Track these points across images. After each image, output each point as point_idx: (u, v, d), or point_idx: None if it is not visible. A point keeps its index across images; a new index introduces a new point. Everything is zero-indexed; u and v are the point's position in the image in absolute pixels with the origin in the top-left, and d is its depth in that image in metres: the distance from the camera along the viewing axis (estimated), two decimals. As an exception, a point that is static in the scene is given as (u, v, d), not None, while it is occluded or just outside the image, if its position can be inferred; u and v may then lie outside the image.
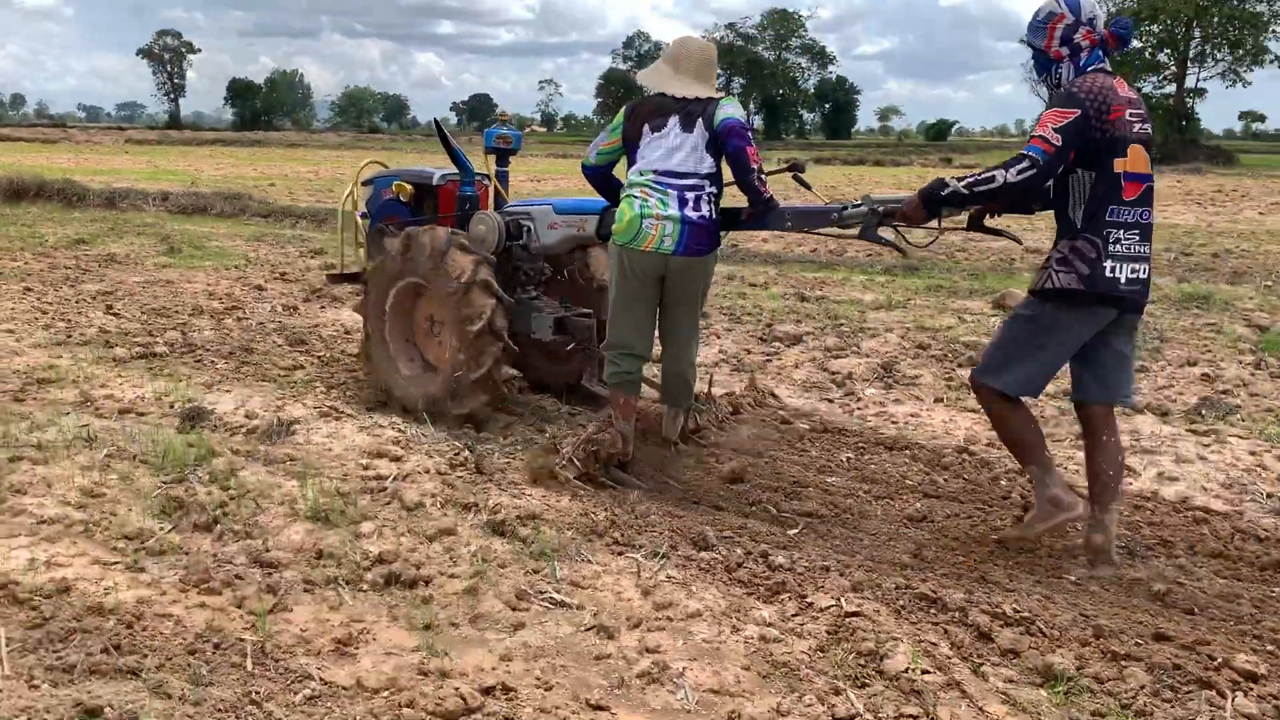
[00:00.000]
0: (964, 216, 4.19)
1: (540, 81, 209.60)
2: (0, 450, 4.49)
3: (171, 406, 5.33)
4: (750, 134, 4.42)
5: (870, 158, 45.16)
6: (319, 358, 6.64)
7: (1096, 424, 3.78)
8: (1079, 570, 3.69)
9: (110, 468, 4.33)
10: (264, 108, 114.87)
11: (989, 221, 4.13)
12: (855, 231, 4.28)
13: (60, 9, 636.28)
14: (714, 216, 4.41)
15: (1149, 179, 3.62)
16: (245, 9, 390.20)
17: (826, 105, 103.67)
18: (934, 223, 4.03)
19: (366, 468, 4.43)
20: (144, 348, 6.54)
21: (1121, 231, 3.56)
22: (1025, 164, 3.50)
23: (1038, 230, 11.19)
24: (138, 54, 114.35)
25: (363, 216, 6.06)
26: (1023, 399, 3.81)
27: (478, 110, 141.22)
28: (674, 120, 4.36)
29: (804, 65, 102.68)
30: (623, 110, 4.60)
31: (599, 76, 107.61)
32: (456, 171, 5.65)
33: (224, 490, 4.11)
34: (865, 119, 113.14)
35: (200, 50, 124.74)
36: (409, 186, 5.76)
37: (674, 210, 4.31)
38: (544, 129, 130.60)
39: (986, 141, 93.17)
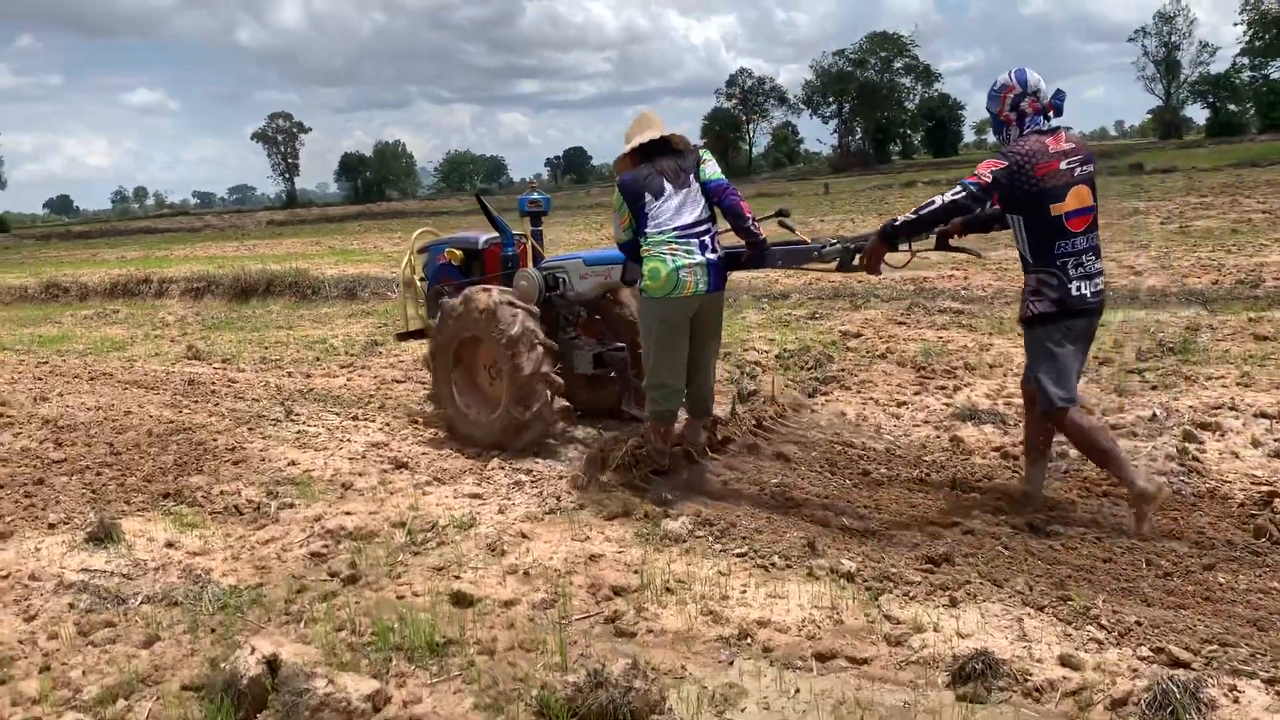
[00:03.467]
0: (932, 239, 4.76)
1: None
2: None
3: (896, 642, 3.35)
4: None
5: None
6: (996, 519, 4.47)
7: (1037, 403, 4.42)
8: None
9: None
10: (375, 180, 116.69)
11: (953, 241, 4.84)
12: (834, 265, 4.89)
13: (165, 103, 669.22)
14: (723, 255, 5.07)
15: (1092, 210, 4.29)
16: (337, 86, 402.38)
17: (929, 124, 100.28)
18: (906, 249, 4.65)
19: None
20: (703, 520, 4.58)
21: (1082, 256, 4.26)
22: (959, 189, 4.26)
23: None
24: (252, 138, 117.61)
25: (421, 280, 6.92)
26: (1074, 406, 4.31)
27: (573, 162, 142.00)
28: (667, 184, 4.97)
29: (908, 85, 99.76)
30: (617, 190, 5.13)
31: (703, 117, 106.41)
32: (498, 235, 6.43)
33: None
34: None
35: (311, 129, 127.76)
36: (459, 252, 6.57)
37: (699, 256, 4.91)
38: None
39: (1102, 146, 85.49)
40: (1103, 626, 3.34)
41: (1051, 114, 4.31)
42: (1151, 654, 3.14)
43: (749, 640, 3.47)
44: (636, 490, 4.98)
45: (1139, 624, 3.31)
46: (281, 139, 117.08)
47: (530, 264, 6.43)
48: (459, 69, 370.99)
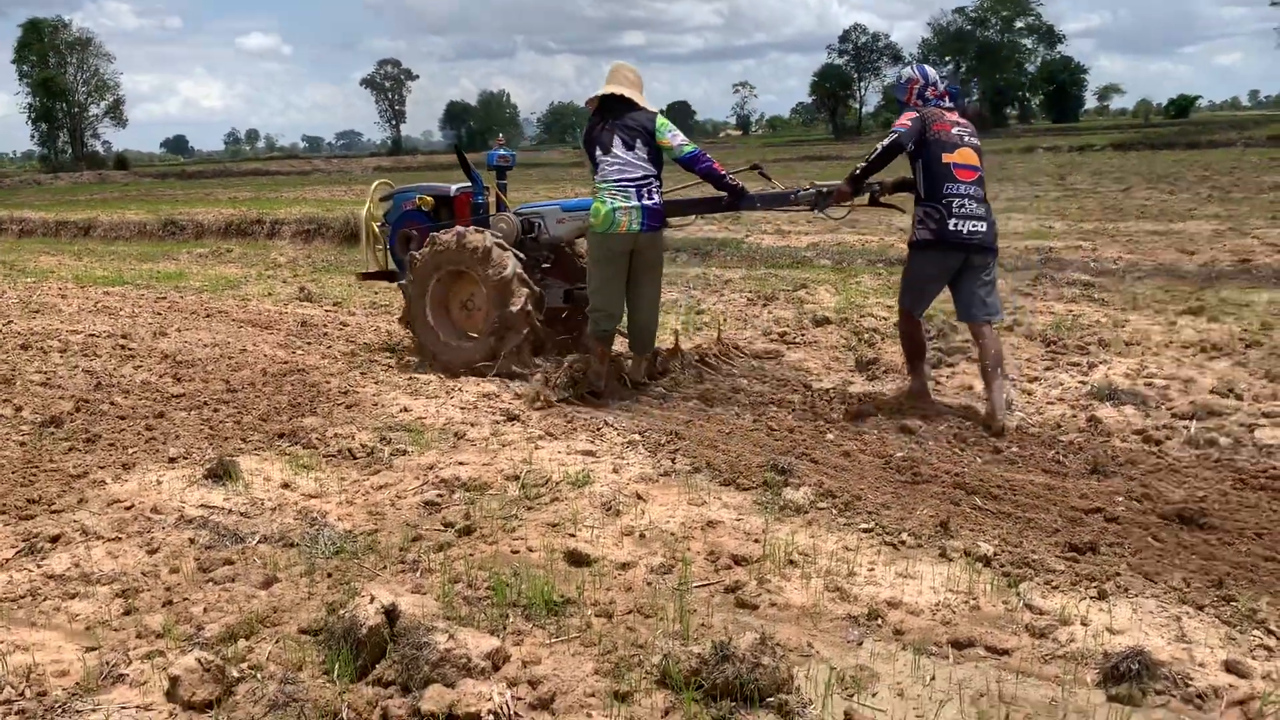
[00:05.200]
0: (866, 197, 5.90)
1: (734, 85, 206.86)
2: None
3: (1040, 634, 3.13)
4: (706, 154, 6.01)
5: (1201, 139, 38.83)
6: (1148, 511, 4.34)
7: (975, 334, 5.54)
8: None
9: None
10: (480, 129, 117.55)
11: (884, 199, 5.91)
12: (808, 207, 6.02)
13: (279, 48, 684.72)
14: (661, 202, 5.93)
15: (978, 169, 5.46)
16: (444, 35, 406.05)
17: (1050, 87, 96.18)
18: (851, 200, 5.90)
19: None
20: (826, 492, 4.41)
21: (964, 200, 5.32)
22: (890, 136, 5.46)
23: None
24: (361, 84, 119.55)
25: (380, 227, 7.62)
26: (917, 319, 5.71)
27: (676, 116, 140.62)
28: (617, 141, 5.88)
29: (1029, 46, 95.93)
30: (583, 140, 6.18)
31: (813, 73, 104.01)
32: (468, 185, 7.13)
33: None
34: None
35: (418, 77, 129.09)
36: (430, 199, 7.22)
37: (635, 201, 5.81)
38: (739, 132, 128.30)
39: (1235, 118, 78.84)
40: (1271, 632, 3.08)
41: (947, 99, 5.59)
42: (1330, 667, 2.87)
43: (879, 621, 3.29)
44: (573, 402, 5.86)
45: (1314, 633, 3.04)
46: (389, 86, 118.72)
47: (496, 212, 7.11)
48: (566, 19, 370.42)
